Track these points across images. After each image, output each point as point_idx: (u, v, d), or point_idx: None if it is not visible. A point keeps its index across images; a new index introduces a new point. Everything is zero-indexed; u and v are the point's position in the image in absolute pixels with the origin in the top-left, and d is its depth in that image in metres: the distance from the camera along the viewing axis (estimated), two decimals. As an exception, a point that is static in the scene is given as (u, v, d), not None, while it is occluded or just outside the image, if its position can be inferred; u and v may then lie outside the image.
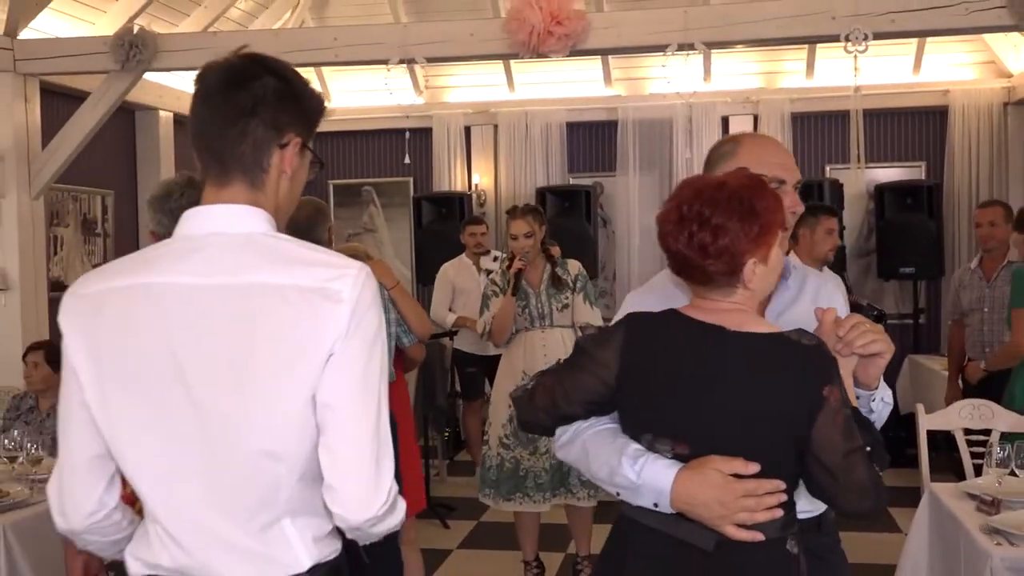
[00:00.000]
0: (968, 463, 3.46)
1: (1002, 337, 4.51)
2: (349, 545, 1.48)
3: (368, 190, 7.74)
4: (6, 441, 3.31)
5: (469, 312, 5.70)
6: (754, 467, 1.54)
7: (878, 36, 4.59)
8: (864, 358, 1.65)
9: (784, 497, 1.57)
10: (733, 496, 1.53)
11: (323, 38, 5.18)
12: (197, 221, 1.43)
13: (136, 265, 1.43)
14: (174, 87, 6.60)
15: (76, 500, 1.44)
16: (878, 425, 1.73)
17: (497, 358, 4.52)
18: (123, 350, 1.37)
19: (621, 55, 6.71)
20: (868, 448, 1.56)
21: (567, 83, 7.33)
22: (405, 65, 5.69)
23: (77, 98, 5.43)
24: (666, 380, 1.59)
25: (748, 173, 1.64)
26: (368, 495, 1.35)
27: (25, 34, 5.23)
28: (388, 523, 1.40)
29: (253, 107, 1.40)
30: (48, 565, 2.90)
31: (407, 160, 5.86)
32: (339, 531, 1.44)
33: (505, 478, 4.05)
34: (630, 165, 7.28)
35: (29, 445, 3.26)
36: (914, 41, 6.54)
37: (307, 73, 1.56)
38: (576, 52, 5.00)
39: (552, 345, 4.06)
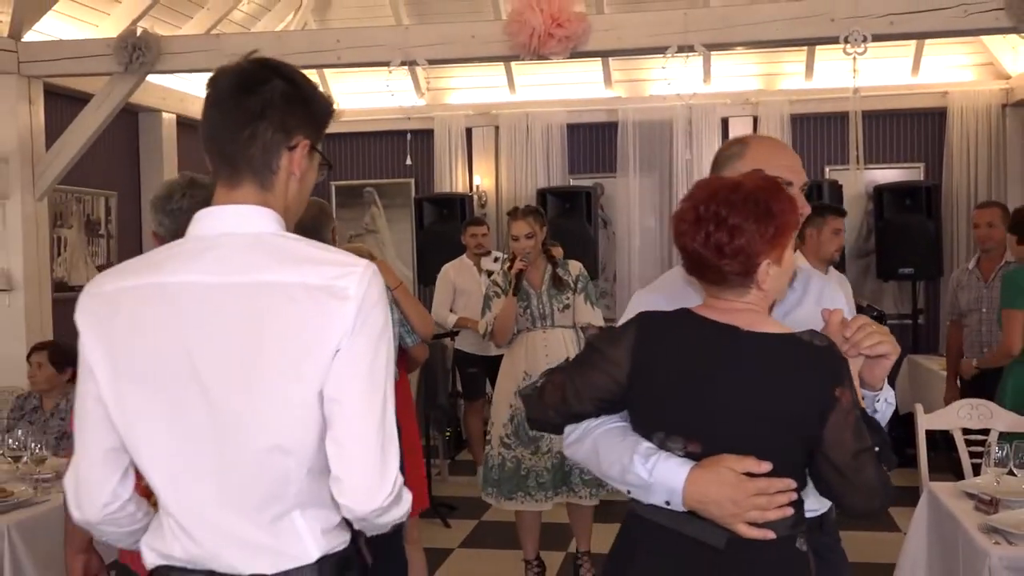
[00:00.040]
0: (967, 463, 3.47)
1: (1000, 337, 4.54)
2: (355, 538, 1.51)
3: (370, 191, 7.76)
4: (10, 441, 3.32)
5: (470, 312, 5.72)
6: (766, 466, 1.55)
7: (877, 38, 4.61)
8: (870, 359, 1.66)
9: (795, 496, 1.58)
10: (745, 494, 1.54)
11: (325, 40, 5.20)
12: (209, 222, 1.45)
13: (150, 265, 1.45)
14: (177, 89, 6.62)
15: (92, 492, 1.47)
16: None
17: (498, 358, 4.54)
18: (138, 349, 1.40)
19: (621, 57, 6.72)
20: (876, 448, 1.58)
21: (568, 85, 7.35)
22: (407, 67, 5.71)
23: (81, 100, 5.45)
24: (679, 379, 1.60)
25: (764, 175, 1.64)
26: (374, 486, 1.38)
27: (29, 36, 5.24)
28: (393, 514, 1.43)
29: (262, 110, 1.43)
30: (51, 564, 2.90)
31: (409, 161, 5.88)
32: (348, 524, 1.47)
33: (507, 477, 4.07)
34: (630, 166, 7.30)
35: (33, 445, 3.28)
36: (913, 43, 6.56)
37: (309, 75, 1.59)
38: (576, 54, 5.01)
39: (553, 345, 4.07)
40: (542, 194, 6.98)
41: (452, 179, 7.50)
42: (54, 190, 5.45)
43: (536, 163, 7.37)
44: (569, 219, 6.79)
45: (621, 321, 1.79)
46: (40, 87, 5.32)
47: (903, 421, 5.11)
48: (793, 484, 1.58)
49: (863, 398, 1.68)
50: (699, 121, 7.10)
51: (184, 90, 6.69)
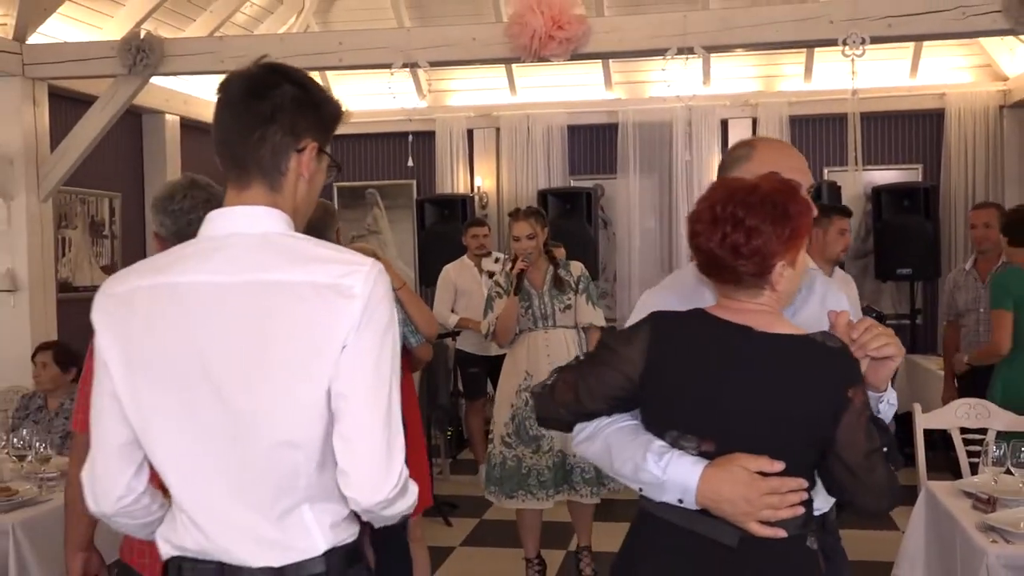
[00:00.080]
0: (964, 462, 3.49)
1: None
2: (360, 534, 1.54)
3: (372, 192, 7.79)
4: (15, 440, 3.34)
5: (471, 313, 5.75)
6: (779, 465, 1.56)
7: (875, 40, 4.62)
8: (875, 360, 1.67)
9: (805, 496, 1.60)
10: (758, 493, 1.55)
11: (328, 43, 5.20)
12: (219, 222, 1.48)
13: (162, 265, 1.48)
14: (181, 91, 6.64)
15: (107, 485, 1.50)
16: None
17: (499, 358, 4.57)
18: (152, 348, 1.43)
19: (621, 59, 6.73)
20: (885, 449, 1.60)
21: (568, 87, 7.38)
22: (408, 69, 5.70)
23: (85, 102, 5.46)
24: (693, 378, 1.60)
25: (780, 178, 1.65)
26: (379, 479, 1.40)
27: (34, 39, 5.25)
28: (399, 506, 1.45)
29: (271, 114, 1.46)
30: (55, 562, 2.90)
31: (410, 163, 5.88)
32: (357, 517, 1.50)
33: (508, 476, 4.09)
34: (630, 167, 7.33)
35: (38, 444, 3.30)
36: (911, 45, 6.58)
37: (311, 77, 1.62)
38: (577, 56, 5.02)
39: (555, 345, 4.10)
40: (543, 195, 7.00)
41: (453, 180, 7.54)
42: (58, 191, 5.47)
43: (537, 164, 7.40)
44: (569, 220, 6.81)
45: (630, 321, 1.80)
46: (45, 89, 5.34)
47: (901, 420, 5.13)
48: (805, 484, 1.59)
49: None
50: (699, 122, 7.13)
51: (187, 92, 6.71)
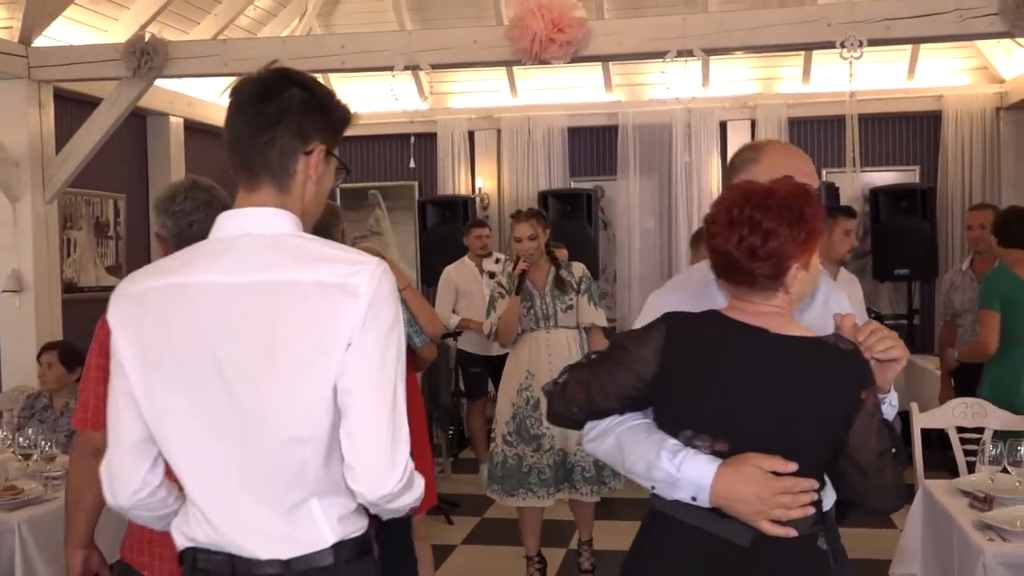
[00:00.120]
0: (961, 460, 3.51)
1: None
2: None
3: (374, 194, 7.83)
4: (21, 439, 3.37)
5: (472, 313, 5.79)
6: (792, 466, 1.58)
7: (873, 43, 4.64)
8: (881, 363, 1.68)
9: (816, 496, 1.61)
10: (772, 492, 1.57)
11: (330, 45, 5.21)
12: (230, 223, 1.52)
13: (175, 265, 1.52)
14: (185, 93, 6.66)
15: (123, 479, 1.54)
16: None
17: (500, 358, 4.60)
18: (165, 347, 1.46)
19: (621, 61, 6.75)
20: (893, 450, 1.63)
21: (568, 89, 7.41)
22: (410, 72, 5.71)
23: (90, 104, 5.47)
24: (708, 379, 1.61)
25: (794, 181, 1.66)
26: (384, 473, 1.43)
27: (39, 42, 5.27)
28: (405, 499, 1.49)
29: (279, 117, 1.50)
30: (60, 560, 2.89)
31: (412, 164, 5.90)
32: (367, 510, 1.53)
33: (509, 474, 4.12)
34: (630, 169, 7.37)
35: (43, 443, 3.32)
36: (908, 47, 6.61)
37: (313, 80, 1.65)
38: (577, 59, 5.03)
39: (556, 345, 4.13)
40: (543, 196, 7.03)
41: (455, 182, 7.57)
42: (64, 192, 5.48)
43: (537, 166, 7.44)
44: (570, 221, 6.84)
45: (639, 321, 1.81)
46: (50, 91, 5.35)
47: (898, 419, 5.18)
48: (816, 485, 1.61)
49: None
50: (698, 124, 7.17)
51: (192, 94, 6.74)
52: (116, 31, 5.77)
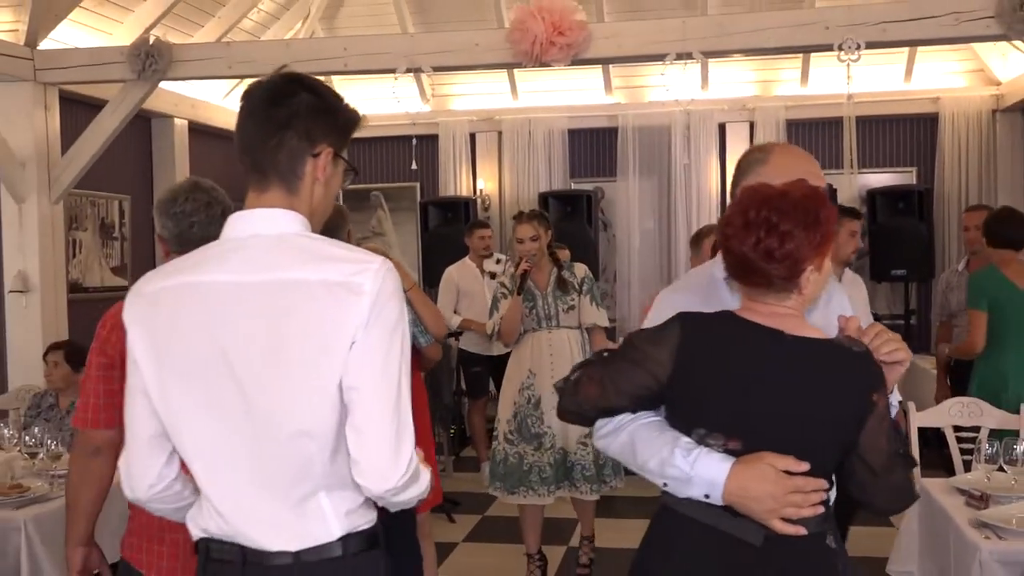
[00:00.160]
0: (958, 459, 3.54)
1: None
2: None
3: (377, 195, 7.86)
4: (27, 438, 3.39)
5: (474, 313, 5.83)
6: (805, 465, 1.59)
7: (870, 45, 4.66)
8: (885, 364, 1.69)
9: (825, 495, 1.63)
10: (784, 491, 1.58)
11: (333, 48, 5.23)
12: (240, 224, 1.55)
13: (187, 265, 1.56)
14: (189, 96, 6.68)
15: (140, 473, 1.58)
16: None
17: (501, 358, 4.63)
18: (177, 345, 1.50)
19: (621, 64, 6.76)
20: (902, 451, 1.65)
21: (569, 91, 7.45)
22: (412, 74, 5.74)
23: (95, 106, 5.50)
24: (723, 379, 1.62)
25: (808, 184, 1.67)
26: (388, 468, 1.46)
27: (45, 44, 5.30)
28: (411, 492, 1.51)
29: (288, 120, 1.53)
30: None
31: (414, 166, 5.94)
32: (376, 504, 1.56)
33: (510, 472, 4.15)
34: (630, 170, 7.41)
35: (49, 441, 3.36)
36: (905, 50, 6.63)
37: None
38: (578, 61, 5.05)
39: (557, 345, 4.15)
40: (544, 197, 7.06)
41: (456, 183, 7.61)
42: (69, 194, 5.50)
43: (538, 167, 7.48)
44: (570, 222, 6.88)
45: (649, 321, 1.83)
46: (56, 94, 5.37)
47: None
48: (826, 484, 1.63)
49: None
50: (697, 126, 7.21)
51: (196, 97, 6.75)
52: (121, 34, 5.79)
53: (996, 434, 3.36)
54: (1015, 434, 3.23)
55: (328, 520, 1.50)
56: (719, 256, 1.83)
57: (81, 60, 5.26)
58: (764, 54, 6.17)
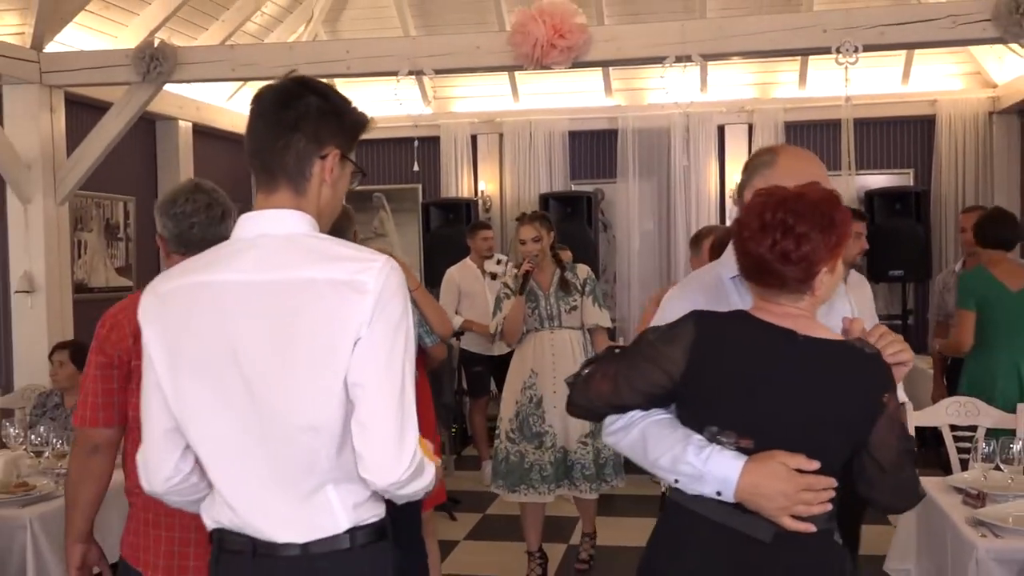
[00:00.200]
0: (955, 458, 3.56)
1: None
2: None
3: (379, 196, 7.89)
4: (32, 437, 3.41)
5: (475, 313, 5.86)
6: (815, 464, 1.60)
7: (868, 48, 4.68)
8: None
9: (833, 493, 1.65)
10: (796, 489, 1.60)
11: (335, 51, 5.25)
12: (249, 224, 1.59)
13: (200, 265, 1.60)
14: (193, 98, 6.70)
15: (156, 467, 1.62)
16: None
17: (502, 357, 4.66)
18: (190, 343, 1.54)
19: (621, 67, 6.82)
20: (912, 450, 1.68)
21: (569, 93, 7.48)
22: (414, 76, 5.76)
23: (100, 108, 5.52)
24: (737, 378, 1.63)
25: (822, 186, 1.68)
26: (392, 462, 1.48)
27: (50, 47, 5.32)
28: (416, 485, 1.54)
29: (296, 123, 1.57)
30: None
31: (416, 168, 5.95)
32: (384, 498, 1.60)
33: (511, 470, 4.18)
34: (630, 172, 7.44)
35: (54, 440, 3.38)
36: (903, 53, 6.67)
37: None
38: (578, 64, 5.06)
39: (560, 345, 4.19)
40: (545, 199, 7.09)
41: (458, 185, 7.65)
42: (75, 195, 5.53)
43: (539, 169, 7.51)
44: (571, 223, 6.91)
45: (657, 320, 1.83)
46: (61, 96, 5.39)
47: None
48: (835, 483, 1.64)
49: None
50: (696, 128, 7.24)
51: (200, 99, 6.78)
52: (126, 37, 5.81)
53: (992, 433, 3.37)
54: (1011, 433, 3.25)
55: (336, 513, 1.53)
56: (725, 256, 1.86)
57: (86, 63, 5.28)
58: (763, 57, 6.16)
